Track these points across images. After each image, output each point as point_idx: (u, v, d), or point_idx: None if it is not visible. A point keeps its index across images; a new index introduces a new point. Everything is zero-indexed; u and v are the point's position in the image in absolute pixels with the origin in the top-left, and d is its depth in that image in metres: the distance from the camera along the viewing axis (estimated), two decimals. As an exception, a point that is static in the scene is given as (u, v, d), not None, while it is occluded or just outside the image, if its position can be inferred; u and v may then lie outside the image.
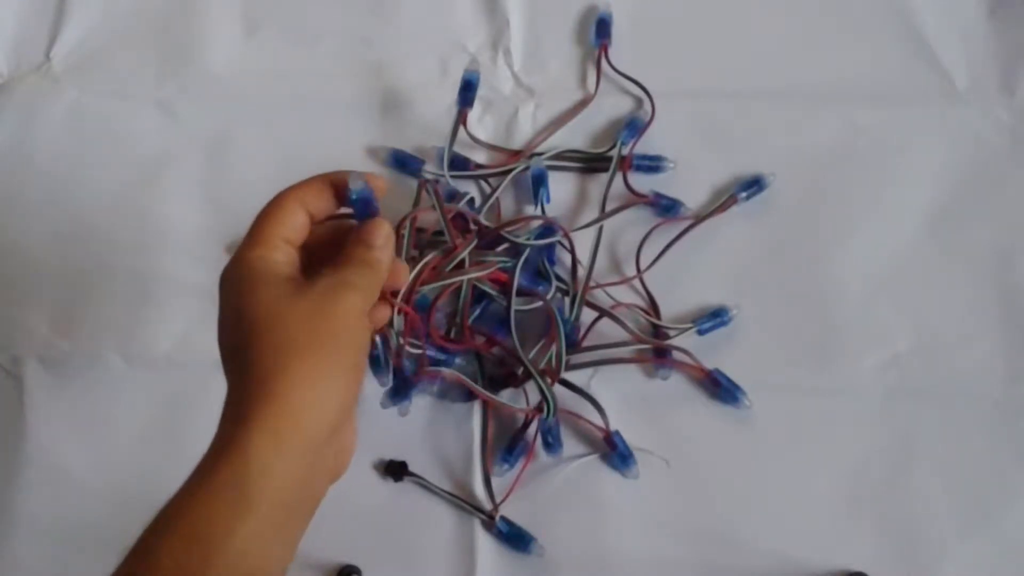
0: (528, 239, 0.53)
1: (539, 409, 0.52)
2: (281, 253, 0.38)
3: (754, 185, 0.56)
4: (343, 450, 0.40)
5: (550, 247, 0.55)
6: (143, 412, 0.56)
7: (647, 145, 0.58)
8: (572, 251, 0.55)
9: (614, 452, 0.53)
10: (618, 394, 0.54)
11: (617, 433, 0.53)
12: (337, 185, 0.40)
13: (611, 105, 0.60)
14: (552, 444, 0.53)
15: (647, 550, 0.52)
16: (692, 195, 0.57)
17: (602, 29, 0.60)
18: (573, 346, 0.54)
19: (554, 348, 0.52)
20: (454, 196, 0.56)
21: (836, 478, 0.53)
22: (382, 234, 0.40)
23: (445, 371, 0.52)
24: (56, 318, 0.58)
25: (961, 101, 0.58)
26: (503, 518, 0.53)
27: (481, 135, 0.59)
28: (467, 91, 0.58)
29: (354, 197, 0.39)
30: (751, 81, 0.59)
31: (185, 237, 0.58)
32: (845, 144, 0.58)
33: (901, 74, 0.59)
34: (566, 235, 0.54)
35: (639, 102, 0.59)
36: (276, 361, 0.35)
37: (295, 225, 0.39)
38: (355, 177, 0.39)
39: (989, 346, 0.54)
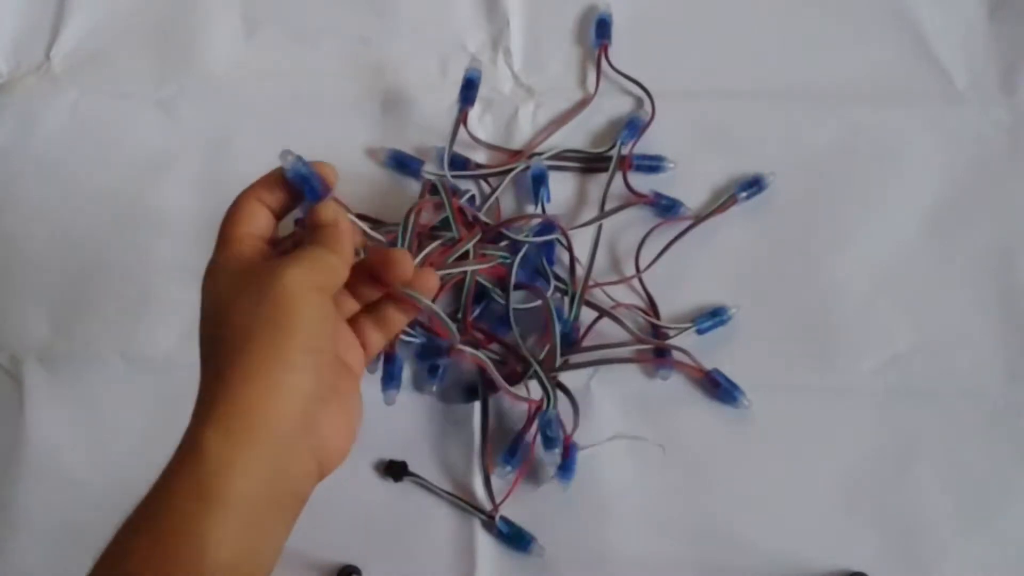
0: (527, 236, 0.53)
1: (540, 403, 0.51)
2: (246, 247, 0.38)
3: (754, 185, 0.56)
4: (325, 444, 0.38)
5: (549, 247, 0.55)
6: (143, 412, 0.56)
7: (647, 145, 0.58)
8: (570, 249, 0.55)
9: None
10: (618, 394, 0.54)
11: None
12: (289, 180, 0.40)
13: (611, 105, 0.60)
14: (551, 438, 0.52)
15: (647, 550, 0.52)
16: (692, 195, 0.57)
17: (602, 29, 0.60)
18: (572, 345, 0.54)
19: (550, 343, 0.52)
20: (455, 193, 0.56)
21: (836, 478, 0.53)
22: (327, 211, 0.39)
23: (467, 350, 0.50)
24: (56, 318, 0.58)
25: (961, 101, 0.58)
26: (503, 518, 0.52)
27: (481, 135, 0.59)
28: (468, 89, 0.57)
29: (288, 176, 0.38)
30: (751, 81, 0.59)
31: (185, 237, 0.58)
32: (845, 144, 0.58)
33: (901, 74, 0.59)
34: (564, 233, 0.54)
35: (639, 102, 0.59)
36: (227, 355, 0.35)
37: (256, 222, 0.39)
38: (284, 154, 0.38)
39: (989, 346, 0.54)
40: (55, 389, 0.56)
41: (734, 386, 0.53)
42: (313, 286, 0.37)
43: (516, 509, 0.53)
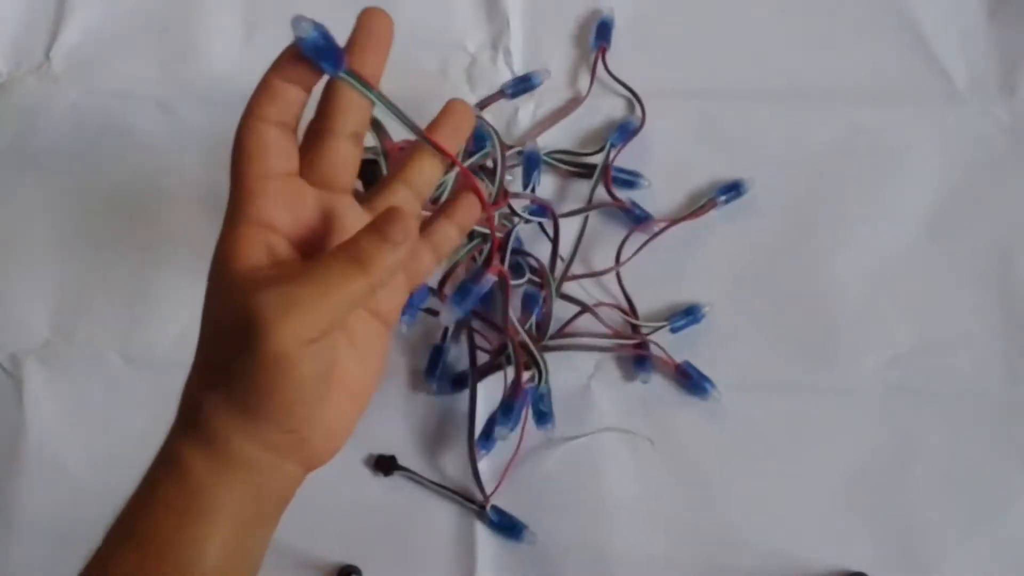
0: (523, 212, 0.53)
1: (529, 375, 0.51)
2: (261, 231, 0.32)
3: (733, 189, 0.56)
4: (315, 450, 0.35)
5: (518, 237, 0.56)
6: (143, 412, 0.55)
7: (646, 145, 0.58)
8: (556, 235, 0.54)
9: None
10: (619, 396, 0.55)
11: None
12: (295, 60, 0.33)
13: (608, 107, 0.59)
14: (545, 414, 0.52)
15: (647, 549, 0.52)
16: (692, 195, 0.57)
17: (602, 32, 0.60)
18: (546, 334, 0.54)
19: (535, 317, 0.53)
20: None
21: (836, 478, 0.53)
22: (402, 226, 0.30)
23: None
24: (56, 318, 0.58)
25: (961, 101, 0.58)
26: (494, 508, 0.52)
27: (481, 135, 0.59)
28: (522, 82, 0.58)
29: (305, 49, 0.31)
30: (751, 81, 0.59)
31: (185, 237, 0.58)
32: (845, 144, 0.58)
33: (901, 74, 0.59)
34: (554, 217, 0.53)
35: (634, 105, 0.59)
36: (205, 384, 0.33)
37: (275, 153, 0.34)
38: (297, 21, 0.29)
39: (989, 346, 0.54)
40: (55, 389, 0.56)
41: (704, 378, 0.54)
42: (314, 336, 0.30)
43: (515, 509, 0.53)
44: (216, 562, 0.32)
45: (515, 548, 0.52)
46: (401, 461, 0.54)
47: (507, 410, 0.51)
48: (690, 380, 0.54)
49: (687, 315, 0.55)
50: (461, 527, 0.53)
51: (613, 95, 0.60)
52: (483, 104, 0.58)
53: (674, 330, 0.55)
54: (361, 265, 0.30)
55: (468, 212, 0.38)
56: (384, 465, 0.54)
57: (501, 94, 0.58)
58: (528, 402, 0.52)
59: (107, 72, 0.62)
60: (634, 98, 0.59)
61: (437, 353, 0.55)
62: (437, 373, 0.54)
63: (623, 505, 0.53)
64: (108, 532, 0.33)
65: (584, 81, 0.60)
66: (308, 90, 0.34)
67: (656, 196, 0.57)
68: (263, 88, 0.34)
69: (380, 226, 0.31)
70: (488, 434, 0.52)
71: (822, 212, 0.57)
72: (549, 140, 0.59)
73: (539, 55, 0.61)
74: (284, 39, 0.63)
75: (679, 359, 0.54)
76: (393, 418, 0.55)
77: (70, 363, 0.57)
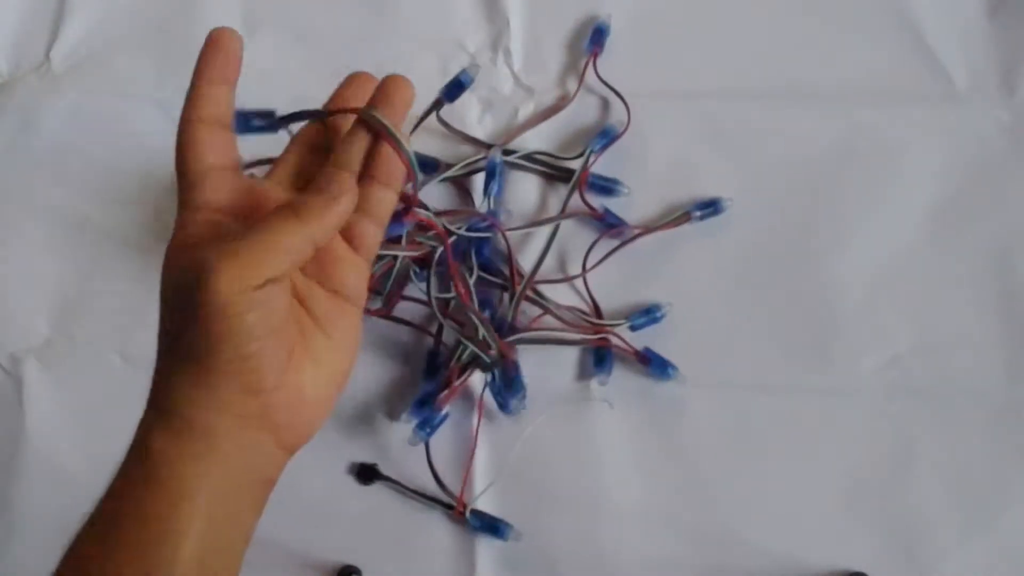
0: (460, 228, 0.53)
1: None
2: (208, 212, 0.35)
3: (710, 206, 0.56)
4: (290, 424, 0.35)
5: (484, 243, 0.55)
6: (143, 412, 0.56)
7: (644, 146, 0.58)
8: (508, 249, 0.54)
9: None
10: (618, 396, 0.54)
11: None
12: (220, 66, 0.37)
13: (603, 111, 0.59)
14: (501, 403, 0.52)
15: (647, 550, 0.53)
16: (692, 195, 0.57)
17: (596, 37, 0.59)
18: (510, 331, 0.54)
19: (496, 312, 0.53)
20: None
21: (836, 478, 0.53)
22: (337, 180, 0.34)
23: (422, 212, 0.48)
24: (56, 318, 0.58)
25: (961, 101, 0.58)
26: (474, 511, 0.53)
27: (480, 135, 0.59)
28: (454, 87, 0.56)
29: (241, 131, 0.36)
30: (751, 81, 0.59)
31: (185, 237, 0.58)
32: (845, 144, 0.58)
33: (901, 74, 0.59)
34: (501, 232, 0.53)
35: (624, 109, 0.59)
36: (163, 357, 0.34)
37: (216, 151, 0.36)
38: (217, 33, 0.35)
39: (989, 346, 0.54)
40: (55, 389, 0.56)
41: (666, 361, 0.54)
42: (256, 283, 0.31)
43: (513, 509, 0.53)
44: (194, 548, 0.32)
45: (514, 549, 0.53)
46: (391, 468, 0.54)
47: (509, 383, 0.51)
48: (651, 364, 0.54)
49: (646, 314, 0.55)
50: (458, 528, 0.53)
51: (607, 100, 0.60)
52: (423, 117, 0.56)
53: (634, 328, 0.54)
54: (297, 215, 0.33)
55: (391, 168, 0.37)
56: (365, 474, 0.54)
57: (440, 103, 0.56)
58: (520, 371, 0.52)
59: (107, 72, 0.62)
60: (621, 102, 0.58)
61: (433, 357, 0.55)
62: (437, 377, 0.54)
63: (623, 505, 0.53)
64: (80, 529, 0.34)
65: (582, 83, 0.60)
66: (228, 84, 0.38)
67: (648, 199, 0.57)
68: (188, 94, 0.38)
69: (319, 182, 0.35)
70: (421, 404, 0.52)
71: (822, 212, 0.57)
72: (539, 144, 0.58)
73: (539, 55, 0.61)
74: (283, 39, 0.64)
75: (679, 363, 0.54)
76: (385, 427, 0.55)
77: (70, 363, 0.57)
